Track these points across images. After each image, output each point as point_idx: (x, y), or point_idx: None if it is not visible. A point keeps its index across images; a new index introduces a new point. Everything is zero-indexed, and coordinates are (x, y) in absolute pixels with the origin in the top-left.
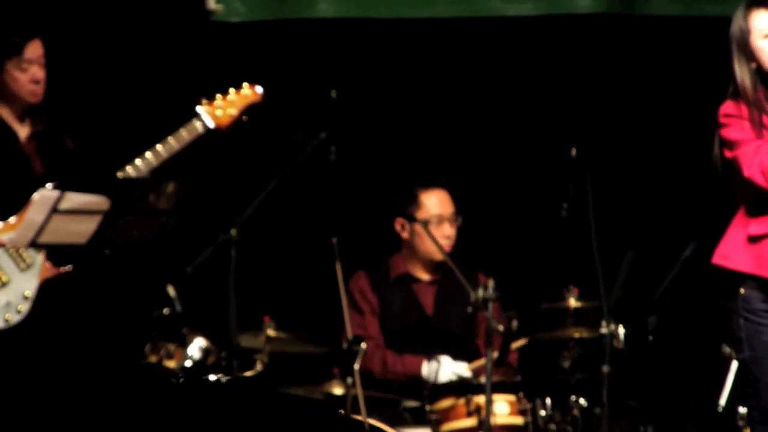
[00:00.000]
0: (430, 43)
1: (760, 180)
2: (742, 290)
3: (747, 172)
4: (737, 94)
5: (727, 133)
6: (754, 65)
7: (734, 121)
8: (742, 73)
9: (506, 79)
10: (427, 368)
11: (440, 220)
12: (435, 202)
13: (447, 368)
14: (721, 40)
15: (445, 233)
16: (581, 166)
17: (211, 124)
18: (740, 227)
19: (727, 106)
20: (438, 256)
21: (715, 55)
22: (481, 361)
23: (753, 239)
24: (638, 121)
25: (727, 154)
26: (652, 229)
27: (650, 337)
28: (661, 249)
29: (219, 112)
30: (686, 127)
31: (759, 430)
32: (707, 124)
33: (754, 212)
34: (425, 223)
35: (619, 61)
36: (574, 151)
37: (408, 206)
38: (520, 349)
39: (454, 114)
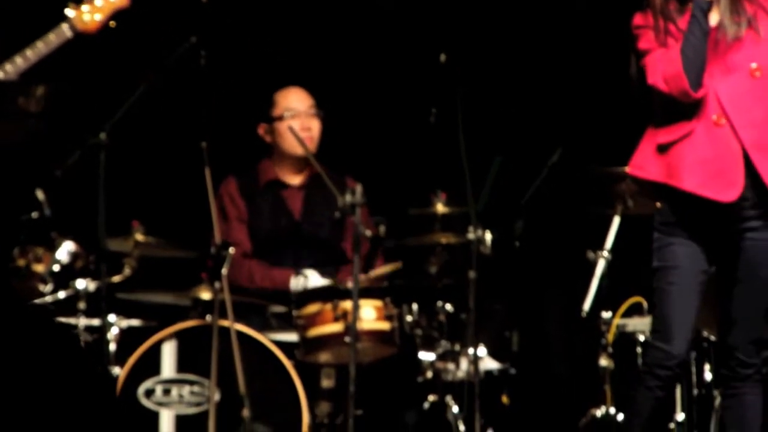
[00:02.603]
0: None
1: (662, 86)
2: (658, 204)
3: (651, 79)
4: (648, 4)
5: (638, 44)
6: None
7: (643, 32)
8: None
9: None
10: (294, 283)
11: (296, 114)
12: (288, 99)
13: (314, 284)
14: None
15: (304, 125)
16: (450, 72)
17: (79, 29)
18: (651, 137)
19: (637, 18)
20: (300, 150)
21: None
22: (346, 280)
23: (661, 148)
24: (507, 25)
25: (640, 63)
26: (519, 134)
27: (517, 243)
28: (528, 154)
29: (86, 17)
30: (556, 32)
31: (653, 338)
32: (577, 29)
33: (662, 121)
34: (280, 119)
35: None
36: (443, 57)
37: (267, 110)
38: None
39: (325, 18)
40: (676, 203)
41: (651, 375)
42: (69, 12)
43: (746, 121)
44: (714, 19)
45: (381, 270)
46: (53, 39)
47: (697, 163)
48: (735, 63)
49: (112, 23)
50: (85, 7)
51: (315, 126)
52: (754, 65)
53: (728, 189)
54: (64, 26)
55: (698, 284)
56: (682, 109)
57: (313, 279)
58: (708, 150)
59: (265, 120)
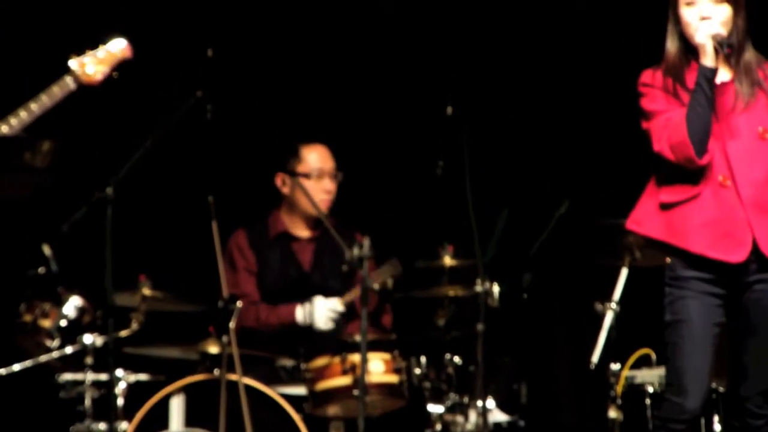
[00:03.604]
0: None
1: (668, 154)
2: (668, 259)
3: (657, 146)
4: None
5: (642, 103)
6: (680, 29)
7: (649, 91)
8: (670, 35)
9: (384, 37)
10: (301, 312)
11: (321, 174)
12: (316, 157)
13: (320, 306)
14: None
15: (326, 188)
16: (457, 125)
17: (82, 80)
18: (653, 194)
19: (644, 76)
20: (314, 211)
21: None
22: (353, 293)
23: (665, 206)
24: (514, 79)
25: (643, 124)
26: (526, 186)
27: (524, 295)
28: (535, 207)
29: (89, 68)
30: (563, 85)
31: (667, 392)
32: (583, 83)
33: (666, 180)
34: (305, 177)
35: (496, 20)
36: (450, 110)
37: (289, 161)
38: (392, 306)
39: (330, 72)
40: (684, 260)
41: (665, 429)
42: (72, 63)
43: (748, 180)
44: (724, 75)
45: (383, 273)
46: (57, 91)
47: (704, 224)
48: (743, 125)
49: (115, 74)
50: (87, 59)
51: (334, 188)
52: (761, 128)
53: (736, 250)
54: (68, 78)
55: (711, 337)
56: (689, 171)
57: (318, 302)
58: (715, 211)
59: (285, 171)
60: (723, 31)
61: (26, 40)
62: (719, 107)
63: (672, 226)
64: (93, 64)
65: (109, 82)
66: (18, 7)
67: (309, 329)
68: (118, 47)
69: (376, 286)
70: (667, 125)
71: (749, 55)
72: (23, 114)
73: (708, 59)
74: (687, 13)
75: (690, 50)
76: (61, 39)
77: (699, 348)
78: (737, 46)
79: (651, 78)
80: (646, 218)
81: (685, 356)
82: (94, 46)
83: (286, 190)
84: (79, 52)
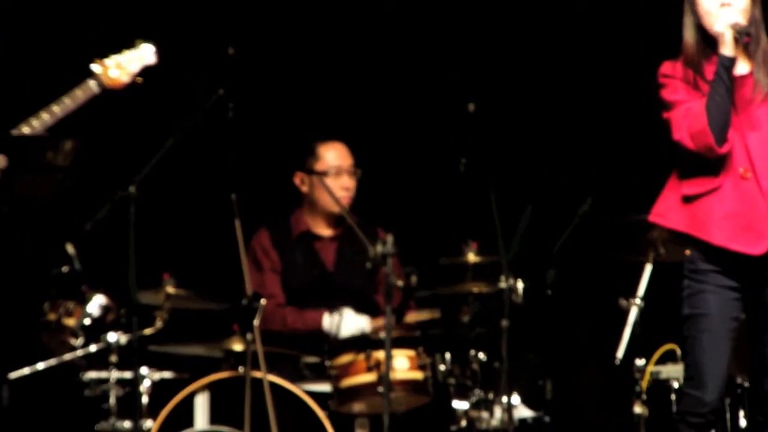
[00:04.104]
0: None
1: (688, 143)
2: (687, 252)
3: (677, 135)
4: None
5: (663, 93)
6: (696, 20)
7: (669, 82)
8: (687, 27)
9: (405, 34)
10: (328, 321)
11: (339, 171)
12: (333, 155)
13: (349, 321)
14: None
15: (344, 185)
16: (479, 121)
17: (105, 84)
18: (675, 187)
19: (665, 67)
20: (336, 208)
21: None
22: (382, 320)
23: (687, 199)
24: (536, 76)
25: (664, 114)
26: (550, 183)
27: (549, 291)
28: (558, 203)
29: (113, 73)
30: (584, 82)
31: (686, 386)
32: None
33: (687, 173)
34: (323, 175)
35: (518, 15)
36: (472, 107)
37: (307, 159)
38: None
39: (351, 69)
40: (704, 252)
41: (684, 423)
42: (95, 68)
43: None
44: (743, 68)
45: (417, 316)
46: (80, 95)
47: (725, 217)
48: (763, 117)
49: (139, 80)
50: (110, 62)
51: (353, 185)
52: None
53: (758, 242)
54: (91, 82)
55: (729, 331)
56: (709, 162)
57: (347, 317)
58: (736, 204)
59: (303, 169)
60: (742, 20)
61: (50, 42)
62: (738, 99)
63: (694, 218)
64: (116, 69)
65: (134, 83)
66: (41, 9)
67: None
68: (142, 53)
69: (400, 283)
70: (687, 115)
71: (767, 45)
72: (45, 116)
73: (727, 48)
74: (706, 2)
75: (707, 42)
76: (85, 40)
77: (717, 342)
78: (756, 37)
79: (671, 69)
80: (669, 211)
81: (704, 350)
82: (118, 50)
83: (305, 188)
84: (103, 55)
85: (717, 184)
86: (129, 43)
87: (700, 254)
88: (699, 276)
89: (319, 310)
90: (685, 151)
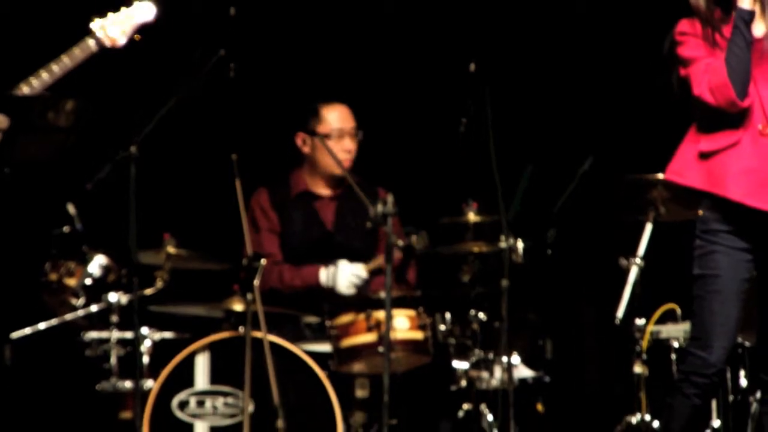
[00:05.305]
0: None
1: (708, 98)
2: (700, 212)
3: (697, 90)
4: (695, 12)
5: (681, 50)
6: None
7: (688, 39)
8: None
9: None
10: (324, 274)
11: (341, 134)
12: (336, 117)
13: (344, 271)
14: None
15: (346, 147)
16: (480, 81)
17: (104, 43)
18: (692, 143)
19: (682, 24)
20: (338, 170)
21: None
22: (378, 261)
23: (704, 155)
24: (536, 35)
25: (682, 71)
26: (550, 143)
27: (549, 251)
28: (559, 163)
29: (111, 31)
30: (585, 41)
31: (691, 345)
32: (606, 39)
33: (705, 129)
34: (326, 137)
35: None
36: (472, 66)
37: (309, 121)
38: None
39: (352, 30)
40: (718, 211)
41: (688, 382)
42: (94, 26)
43: None
44: (759, 29)
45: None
46: (78, 53)
47: (742, 172)
48: None
49: (137, 37)
50: (109, 21)
51: (355, 148)
52: None
53: None
54: (89, 40)
55: (740, 293)
56: (727, 118)
57: (342, 266)
58: (754, 160)
59: (305, 130)
60: None
61: (48, 1)
62: (755, 59)
63: (710, 174)
64: (115, 27)
65: (132, 42)
66: None
67: (332, 289)
68: (140, 10)
69: (400, 243)
70: (707, 69)
71: None
72: (44, 75)
73: (745, 2)
74: None
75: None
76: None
77: (727, 303)
78: None
79: (689, 27)
80: (685, 168)
81: (713, 311)
82: (116, 9)
83: (306, 149)
84: (102, 14)
85: (735, 140)
86: (127, 2)
87: (713, 213)
88: (710, 236)
89: (315, 265)
90: (704, 106)
